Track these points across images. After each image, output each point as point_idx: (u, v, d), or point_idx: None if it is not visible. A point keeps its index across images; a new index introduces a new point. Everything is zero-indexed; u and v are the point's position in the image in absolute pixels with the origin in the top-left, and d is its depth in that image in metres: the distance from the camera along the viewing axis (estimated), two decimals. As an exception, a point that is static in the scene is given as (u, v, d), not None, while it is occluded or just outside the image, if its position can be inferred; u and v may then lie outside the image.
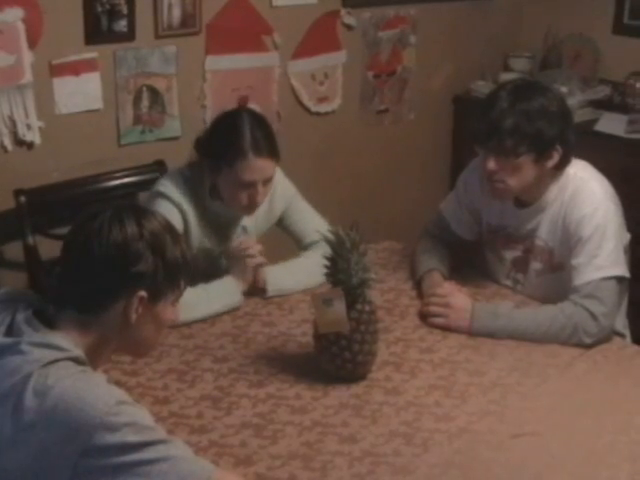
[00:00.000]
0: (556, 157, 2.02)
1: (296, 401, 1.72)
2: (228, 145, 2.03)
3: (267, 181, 2.07)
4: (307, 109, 3.25)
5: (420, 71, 3.54)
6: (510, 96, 1.99)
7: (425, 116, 3.62)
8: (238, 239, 2.17)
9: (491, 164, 2.02)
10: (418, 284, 2.20)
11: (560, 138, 2.01)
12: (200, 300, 2.02)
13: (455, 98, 3.71)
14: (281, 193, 2.22)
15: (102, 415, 1.22)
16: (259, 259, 2.12)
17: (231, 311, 2.07)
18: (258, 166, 2.02)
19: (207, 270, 2.11)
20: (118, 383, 1.62)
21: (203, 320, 2.02)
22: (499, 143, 1.98)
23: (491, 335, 1.98)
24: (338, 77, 3.30)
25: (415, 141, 3.62)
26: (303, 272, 2.15)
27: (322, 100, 3.29)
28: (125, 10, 2.67)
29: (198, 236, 2.11)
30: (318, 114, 3.28)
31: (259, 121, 2.09)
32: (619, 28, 3.54)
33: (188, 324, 1.98)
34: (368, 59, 3.39)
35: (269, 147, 2.05)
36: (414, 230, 2.41)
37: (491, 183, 2.07)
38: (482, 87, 3.54)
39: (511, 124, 1.96)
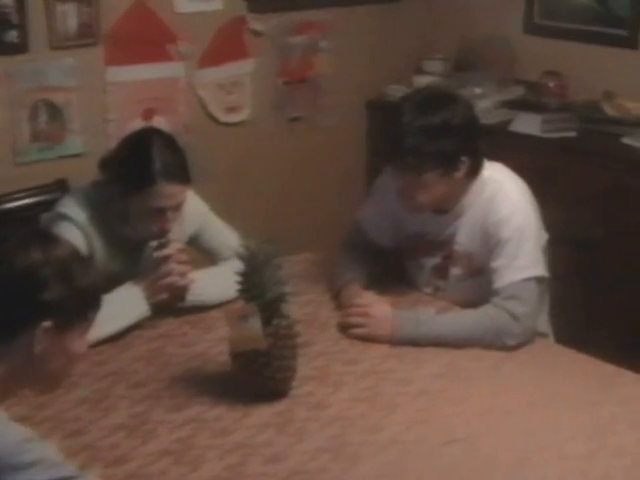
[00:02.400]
0: (463, 168, 2.08)
1: (217, 423, 1.71)
2: (136, 171, 2.01)
3: (177, 207, 2.06)
4: (215, 119, 3.27)
5: (333, 77, 3.59)
6: (413, 111, 2.04)
7: (340, 122, 3.65)
8: (154, 242, 2.10)
9: (399, 182, 2.10)
10: (337, 295, 2.22)
11: (465, 150, 2.07)
12: (103, 316, 1.99)
13: (368, 103, 3.75)
14: (192, 212, 2.20)
15: (7, 455, 1.21)
16: (181, 262, 2.08)
17: (140, 322, 2.05)
18: (168, 193, 2.02)
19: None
20: (24, 418, 1.58)
21: (111, 338, 1.99)
22: (402, 161, 2.05)
23: (414, 343, 2.01)
24: (247, 85, 3.35)
25: (331, 148, 3.67)
26: (224, 281, 2.07)
27: (231, 110, 3.31)
28: (15, 19, 2.59)
29: (104, 260, 2.08)
30: (228, 125, 3.31)
31: (169, 144, 2.08)
32: (531, 28, 3.67)
33: (95, 346, 1.92)
34: (278, 66, 3.43)
35: (180, 173, 2.05)
36: (333, 240, 2.43)
37: (402, 199, 2.14)
38: (396, 91, 3.60)
39: (412, 143, 2.01)
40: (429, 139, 2.01)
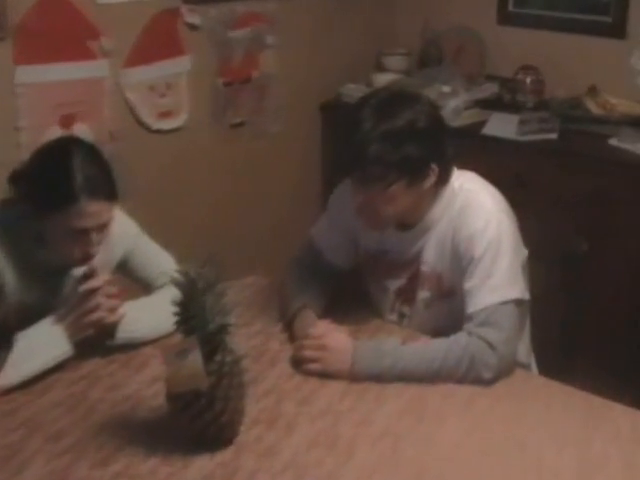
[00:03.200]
0: (432, 176, 2.11)
1: (150, 478, 1.68)
2: (55, 187, 1.99)
3: (103, 227, 2.04)
4: (147, 127, 3.26)
5: (281, 76, 3.63)
6: (374, 115, 2.05)
7: (290, 128, 3.72)
8: (79, 270, 2.08)
9: (359, 196, 2.11)
10: (289, 325, 2.22)
11: (433, 155, 2.10)
12: (16, 356, 1.96)
13: (322, 105, 3.81)
14: (120, 233, 2.19)
15: None
16: (110, 296, 2.06)
17: (61, 363, 2.03)
18: (92, 211, 1.99)
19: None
20: None
21: (25, 382, 1.96)
22: (364, 173, 2.06)
23: (377, 378, 2.01)
24: (182, 87, 3.36)
25: (280, 157, 3.71)
26: (158, 314, 2.10)
27: (165, 115, 3.31)
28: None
29: (17, 291, 2.05)
30: (161, 132, 3.31)
31: (93, 156, 2.06)
32: (504, 17, 3.73)
33: (5, 393, 1.92)
34: (218, 64, 3.44)
35: (105, 188, 2.03)
36: (283, 262, 2.43)
37: (363, 215, 2.15)
38: (353, 91, 3.65)
39: (374, 152, 2.02)
40: (393, 146, 2.03)
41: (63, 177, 1.98)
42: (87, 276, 2.06)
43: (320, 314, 2.21)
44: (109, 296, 2.07)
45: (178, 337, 1.82)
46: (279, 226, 3.65)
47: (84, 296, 2.04)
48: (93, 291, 2.04)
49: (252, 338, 2.19)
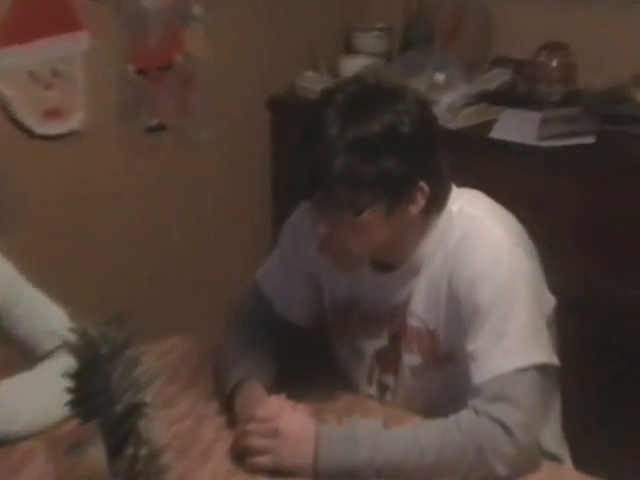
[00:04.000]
0: (421, 199, 2.11)
1: None
2: None
3: None
4: (27, 130, 3.26)
5: (215, 61, 3.62)
6: (341, 116, 2.06)
7: (227, 133, 3.72)
8: None
9: (322, 226, 2.11)
10: (228, 403, 2.20)
11: (421, 170, 2.10)
12: None
13: (271, 101, 3.83)
14: None
15: None
16: None
17: None
18: None
19: None
20: None
21: None
22: (328, 195, 2.06)
23: (350, 474, 1.97)
24: (76, 75, 3.34)
25: (213, 173, 3.74)
26: (44, 394, 2.09)
27: (52, 114, 3.30)
28: None
29: None
30: (48, 138, 3.31)
31: None
32: (518, -22, 3.78)
33: None
34: (127, 45, 3.46)
35: None
36: (218, 317, 2.42)
37: (327, 252, 2.16)
38: (313, 81, 3.69)
39: (341, 166, 2.02)
40: (367, 158, 2.03)
41: None
42: None
43: (270, 387, 2.19)
44: None
45: (72, 424, 1.80)
46: (214, 267, 3.67)
47: None
48: None
49: (177, 423, 2.17)
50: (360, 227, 2.09)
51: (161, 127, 3.59)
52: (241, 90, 3.76)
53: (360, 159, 2.04)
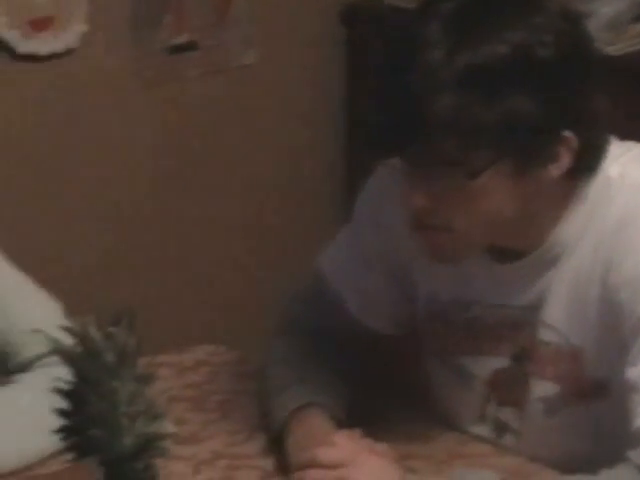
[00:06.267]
0: (565, 157, 2.01)
1: None
2: None
3: None
4: (8, 48, 3.30)
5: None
6: (448, 33, 1.97)
7: (281, 55, 3.72)
8: None
9: (418, 196, 2.01)
10: (279, 439, 2.15)
11: (567, 114, 2.00)
12: None
13: (347, 11, 3.82)
14: None
15: None
16: None
17: None
18: None
19: None
20: None
21: None
22: (428, 151, 1.98)
23: None
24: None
25: (260, 114, 3.71)
26: (25, 421, 2.13)
27: (40, 25, 3.34)
28: None
29: None
30: (35, 59, 3.34)
31: None
32: None
33: None
34: None
35: None
36: (266, 316, 2.43)
37: (424, 232, 2.07)
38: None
39: (450, 106, 1.93)
40: (486, 95, 1.94)
41: None
42: None
43: (340, 418, 2.13)
44: None
45: (61, 461, 1.81)
46: (258, 251, 3.61)
47: None
48: None
49: (205, 465, 2.14)
50: (475, 196, 2.00)
51: (190, 46, 3.56)
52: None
53: (477, 97, 1.94)
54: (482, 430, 2.23)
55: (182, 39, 3.56)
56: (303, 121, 3.76)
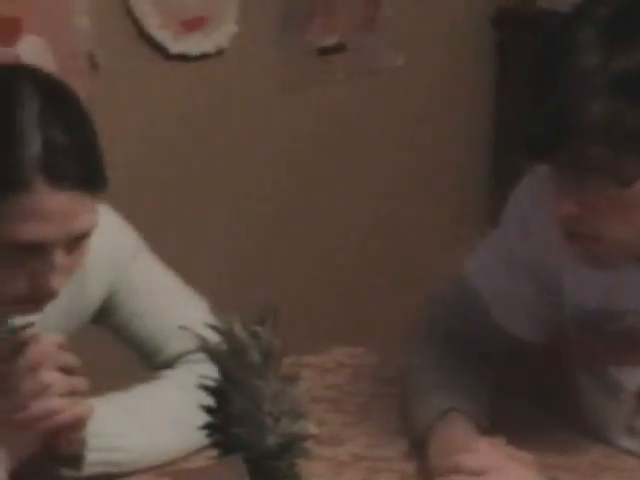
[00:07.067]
0: None
1: None
2: None
3: (77, 240, 2.01)
4: (160, 48, 3.35)
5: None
6: (603, 38, 1.95)
7: (431, 58, 3.74)
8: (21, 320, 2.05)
9: (569, 204, 1.99)
10: (421, 444, 2.15)
11: None
12: None
13: (500, 14, 3.82)
14: (106, 254, 2.21)
15: None
16: (62, 390, 2.01)
17: None
18: (55, 209, 1.97)
19: None
20: None
21: None
22: (580, 157, 1.95)
23: None
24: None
25: (409, 115, 3.73)
26: (165, 416, 2.15)
27: (192, 25, 3.39)
28: None
29: None
30: (186, 58, 3.39)
31: (60, 104, 2.03)
32: None
33: None
34: None
35: (81, 167, 1.99)
36: (409, 320, 2.40)
37: (576, 241, 2.05)
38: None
39: (603, 113, 1.91)
40: (638, 102, 1.92)
41: (2, 144, 1.96)
42: (14, 330, 2.06)
43: (485, 425, 2.14)
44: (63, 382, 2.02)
45: (206, 457, 1.81)
46: (401, 252, 3.64)
47: (13, 374, 2.02)
48: (32, 366, 2.02)
49: (346, 467, 2.15)
50: (627, 205, 1.97)
51: (339, 48, 3.59)
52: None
53: (630, 103, 1.92)
54: (630, 443, 2.19)
55: (331, 41, 3.58)
56: (449, 124, 3.74)
